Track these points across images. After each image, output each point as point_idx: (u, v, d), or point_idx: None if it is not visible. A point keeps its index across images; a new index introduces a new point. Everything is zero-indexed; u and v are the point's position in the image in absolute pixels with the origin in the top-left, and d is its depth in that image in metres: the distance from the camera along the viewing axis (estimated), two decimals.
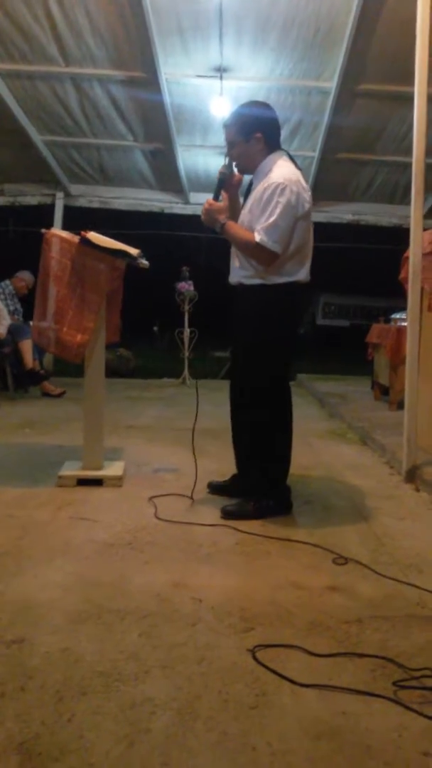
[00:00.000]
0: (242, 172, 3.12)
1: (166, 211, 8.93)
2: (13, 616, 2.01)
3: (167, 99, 6.52)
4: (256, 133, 2.95)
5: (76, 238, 3.36)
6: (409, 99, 3.85)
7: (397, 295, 5.33)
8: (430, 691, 1.67)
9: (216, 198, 3.08)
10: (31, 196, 8.67)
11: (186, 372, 8.30)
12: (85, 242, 3.31)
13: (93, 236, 3.33)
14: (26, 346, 6.47)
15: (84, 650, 1.83)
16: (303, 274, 2.99)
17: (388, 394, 6.13)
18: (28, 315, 6.74)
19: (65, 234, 3.47)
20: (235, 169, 3.12)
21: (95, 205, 8.86)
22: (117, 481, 3.48)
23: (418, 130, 3.56)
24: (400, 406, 4.55)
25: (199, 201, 3.17)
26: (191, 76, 6.25)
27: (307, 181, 6.93)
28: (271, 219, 2.81)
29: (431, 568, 2.50)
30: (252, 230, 2.88)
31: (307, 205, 2.90)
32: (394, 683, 1.70)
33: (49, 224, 8.10)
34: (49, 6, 5.28)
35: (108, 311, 3.52)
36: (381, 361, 6.43)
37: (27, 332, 6.33)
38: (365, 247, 13.27)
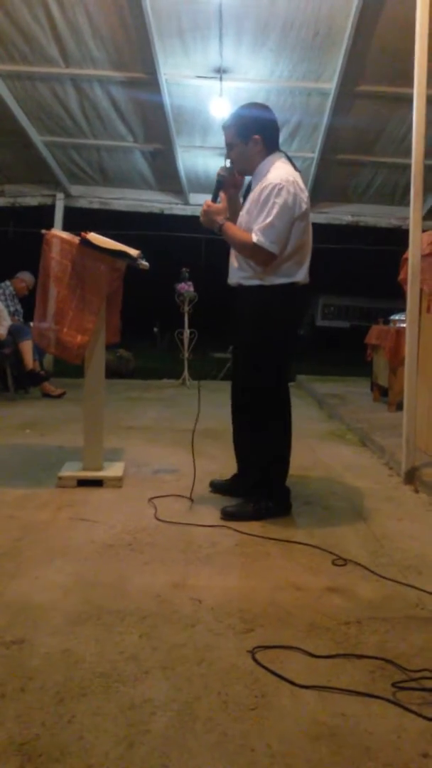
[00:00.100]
0: (241, 173, 3.12)
1: (166, 212, 8.93)
2: (13, 617, 2.02)
3: (167, 100, 6.53)
4: (254, 135, 2.96)
5: (76, 239, 3.36)
6: (408, 100, 3.86)
7: (396, 297, 5.34)
8: (430, 692, 1.68)
9: (214, 199, 3.09)
10: (32, 197, 8.67)
11: (186, 373, 8.30)
12: (86, 243, 3.32)
13: (93, 237, 3.33)
14: (26, 347, 6.47)
15: (84, 651, 1.83)
16: (301, 275, 2.99)
17: (387, 395, 6.13)
18: (28, 316, 6.75)
19: (65, 235, 3.47)
20: (235, 172, 3.13)
21: (95, 206, 8.86)
22: (117, 482, 3.48)
23: (417, 131, 3.57)
24: (400, 407, 4.56)
25: (199, 202, 3.18)
26: (191, 77, 6.26)
27: (306, 182, 6.94)
28: (268, 219, 2.82)
29: (430, 569, 2.51)
30: (250, 231, 2.89)
31: (304, 206, 2.90)
32: (393, 684, 1.70)
33: (50, 225, 8.10)
34: (50, 7, 5.29)
35: (108, 312, 3.52)
36: (380, 362, 6.44)
37: (27, 333, 6.33)
38: (364, 249, 13.28)
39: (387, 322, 6.68)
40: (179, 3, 5.25)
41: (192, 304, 8.24)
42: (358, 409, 6.11)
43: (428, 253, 3.74)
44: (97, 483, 3.47)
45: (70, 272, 3.34)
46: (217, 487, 3.41)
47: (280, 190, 2.82)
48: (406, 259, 3.80)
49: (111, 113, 6.87)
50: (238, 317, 3.12)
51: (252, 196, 2.97)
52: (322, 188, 8.17)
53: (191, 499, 3.28)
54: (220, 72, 6.07)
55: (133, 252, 3.44)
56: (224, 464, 3.77)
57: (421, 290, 3.71)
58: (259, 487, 3.10)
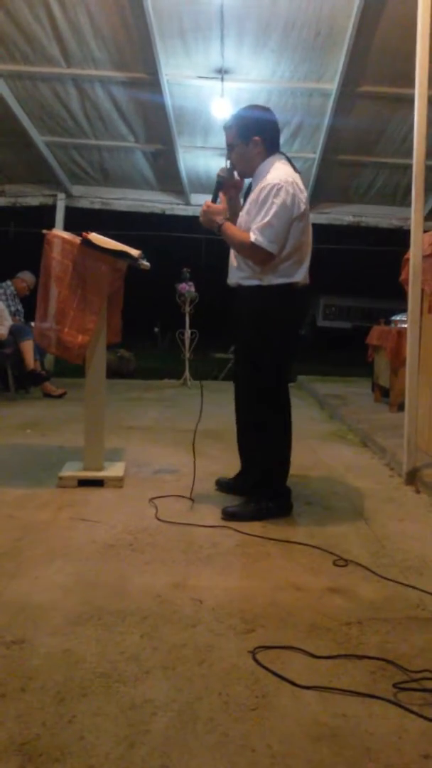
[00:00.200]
0: (242, 175, 3.13)
1: (167, 212, 8.92)
2: (14, 617, 2.02)
3: (168, 100, 6.53)
4: (254, 136, 2.98)
5: (77, 239, 3.36)
6: (409, 101, 3.86)
7: (397, 297, 5.33)
8: (431, 693, 1.68)
9: (214, 200, 3.10)
10: (33, 197, 8.66)
11: (187, 373, 8.30)
12: (87, 243, 3.32)
13: (94, 237, 3.33)
14: (27, 347, 6.47)
15: (84, 651, 1.83)
16: (301, 276, 2.99)
17: (388, 395, 6.12)
18: (29, 316, 6.75)
19: (67, 235, 3.47)
20: (235, 173, 3.14)
21: (96, 206, 8.85)
22: (118, 482, 3.48)
23: (418, 132, 3.57)
24: (401, 408, 4.55)
25: (200, 202, 3.18)
26: (192, 78, 6.26)
27: (307, 182, 6.87)
28: (266, 219, 2.83)
29: (431, 570, 2.51)
30: (249, 231, 2.90)
31: (303, 206, 2.91)
32: (394, 685, 1.70)
33: (51, 225, 8.11)
34: (51, 7, 5.29)
35: (109, 312, 3.52)
36: (381, 362, 6.43)
37: (28, 333, 6.33)
38: (366, 249, 13.28)
39: (388, 322, 6.68)
40: (181, 3, 5.25)
41: (193, 305, 8.23)
42: (360, 409, 6.11)
43: (429, 253, 3.73)
44: (98, 483, 3.46)
45: (71, 272, 3.34)
46: (223, 486, 3.42)
47: (279, 190, 2.84)
48: (408, 259, 3.80)
49: (112, 113, 6.87)
50: (238, 317, 3.12)
51: (251, 196, 2.98)
52: (323, 189, 8.17)
53: (192, 500, 3.28)
54: (222, 72, 6.07)
55: (134, 252, 3.44)
56: (225, 464, 3.76)
57: (423, 291, 3.71)
58: (260, 487, 3.10)
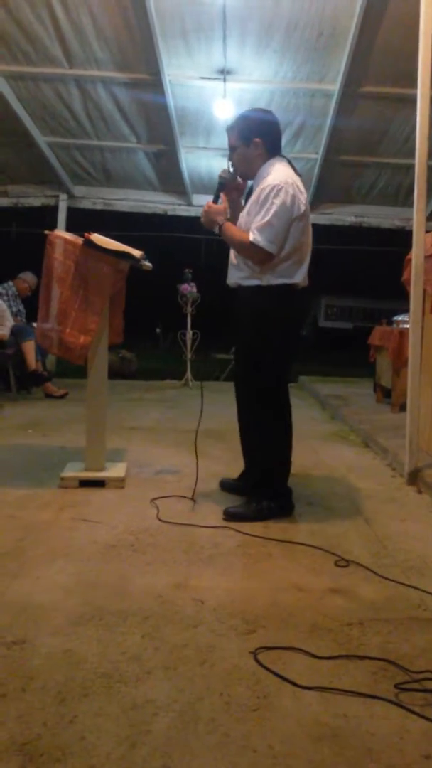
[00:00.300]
0: (243, 177, 3.15)
1: (169, 213, 8.93)
2: (15, 617, 2.02)
3: (171, 101, 6.53)
4: (256, 138, 2.99)
5: (79, 240, 3.36)
6: (412, 101, 3.85)
7: (399, 298, 5.33)
8: None
9: (215, 200, 3.12)
10: (35, 198, 8.67)
11: (188, 374, 8.30)
12: (89, 244, 3.32)
13: (96, 238, 3.33)
14: (29, 348, 6.47)
15: (86, 651, 1.83)
16: (300, 277, 3.00)
17: (390, 396, 6.12)
18: (31, 316, 6.75)
19: (69, 236, 3.48)
20: (232, 170, 3.16)
21: (98, 206, 8.86)
22: (119, 483, 3.48)
23: (420, 132, 3.56)
24: (403, 408, 4.55)
25: (202, 203, 3.19)
26: (195, 78, 6.26)
27: (309, 183, 6.87)
28: (266, 219, 2.85)
29: None
30: (249, 231, 2.91)
31: (303, 207, 2.92)
32: (395, 686, 1.70)
33: (53, 226, 8.12)
34: (53, 8, 5.29)
35: (111, 313, 3.52)
36: (383, 363, 6.43)
37: (30, 333, 6.33)
38: (367, 250, 13.27)
39: (390, 323, 6.68)
40: (183, 4, 5.25)
41: (195, 305, 8.23)
42: (361, 410, 6.10)
43: (431, 254, 3.73)
44: (100, 483, 3.47)
45: (73, 273, 3.34)
46: (227, 486, 3.42)
47: (279, 191, 2.85)
48: (410, 260, 3.80)
49: (114, 114, 6.87)
50: (238, 318, 3.13)
51: (252, 197, 3.00)
52: (325, 189, 8.17)
53: (194, 500, 3.28)
54: (224, 73, 6.07)
55: (136, 253, 3.44)
56: (227, 465, 3.77)
57: (425, 291, 3.71)
58: (261, 488, 3.10)
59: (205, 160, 7.92)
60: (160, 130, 7.11)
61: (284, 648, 1.88)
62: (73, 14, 5.37)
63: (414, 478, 3.67)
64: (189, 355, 8.29)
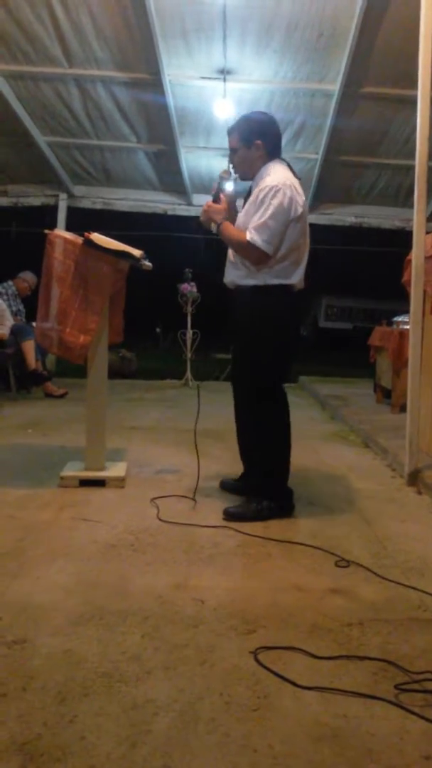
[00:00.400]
0: (243, 178, 3.19)
1: (169, 212, 8.93)
2: (15, 617, 2.02)
3: (170, 101, 6.53)
4: (256, 140, 3.03)
5: (79, 240, 3.36)
6: (412, 102, 3.85)
7: (400, 298, 5.33)
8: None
9: (215, 200, 3.13)
10: (35, 197, 8.66)
11: (188, 373, 8.30)
12: (89, 243, 3.32)
13: (96, 237, 3.33)
14: (29, 347, 6.47)
15: (86, 651, 1.83)
16: (296, 278, 3.02)
17: (390, 396, 6.12)
18: (30, 316, 6.75)
19: (69, 235, 3.48)
20: (232, 172, 3.20)
21: (98, 206, 8.86)
22: (119, 482, 3.48)
23: (421, 133, 3.56)
24: (403, 409, 4.55)
25: (202, 203, 3.21)
26: (195, 78, 6.26)
27: (310, 183, 6.86)
28: (263, 219, 2.88)
29: None
30: (246, 231, 2.94)
31: (300, 209, 2.94)
32: (395, 686, 1.70)
33: (52, 225, 8.12)
34: (53, 7, 5.29)
35: (111, 312, 3.52)
36: (383, 364, 6.43)
37: (30, 333, 6.33)
38: (368, 250, 13.28)
39: (390, 323, 6.68)
40: (183, 4, 5.25)
41: (195, 305, 8.23)
42: (361, 410, 6.10)
43: (431, 255, 3.73)
44: (100, 483, 3.47)
45: (73, 272, 3.34)
46: (227, 487, 3.42)
47: (276, 191, 2.88)
48: (410, 260, 3.80)
49: (114, 114, 6.87)
50: (235, 318, 3.15)
51: (250, 198, 3.03)
52: (325, 189, 8.17)
53: (194, 500, 3.28)
54: (224, 73, 6.07)
55: (136, 252, 3.44)
56: (227, 464, 3.77)
57: (425, 292, 3.71)
58: (261, 488, 3.11)
59: (205, 159, 7.92)
60: (160, 129, 7.11)
61: (284, 648, 1.89)
62: (73, 14, 5.37)
63: (414, 478, 3.67)
64: (189, 355, 8.29)
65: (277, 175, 2.95)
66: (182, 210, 8.84)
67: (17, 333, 6.50)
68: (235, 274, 3.09)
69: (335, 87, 6.14)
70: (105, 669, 1.75)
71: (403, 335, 5.52)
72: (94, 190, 8.72)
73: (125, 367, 9.03)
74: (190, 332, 8.31)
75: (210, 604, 2.15)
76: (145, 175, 8.31)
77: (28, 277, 7.13)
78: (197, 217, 3.20)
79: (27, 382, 6.86)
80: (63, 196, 8.62)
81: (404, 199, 8.19)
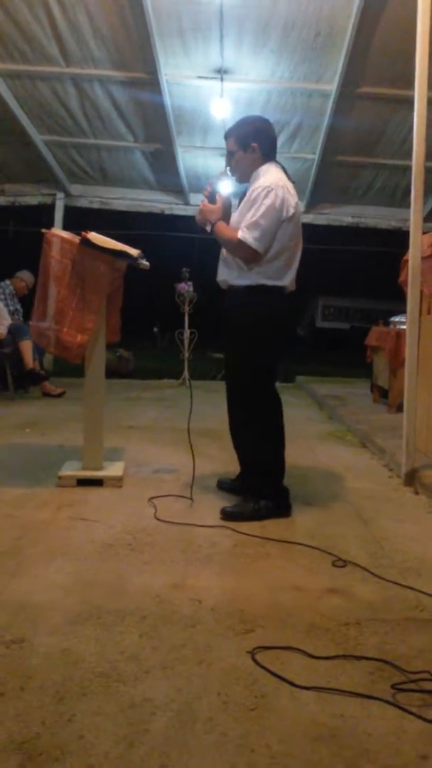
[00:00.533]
0: (239, 180, 3.23)
1: (166, 212, 8.93)
2: (13, 617, 2.02)
3: (168, 100, 6.53)
4: (252, 143, 3.08)
5: (76, 239, 3.36)
6: (409, 102, 3.86)
7: (396, 299, 5.34)
8: (429, 694, 1.68)
9: (211, 200, 3.16)
10: (32, 197, 8.66)
11: (186, 373, 8.30)
12: (86, 243, 3.32)
13: (93, 237, 3.33)
14: (26, 347, 6.46)
15: (84, 651, 1.84)
16: (288, 280, 3.06)
17: (387, 396, 6.13)
18: (28, 315, 6.74)
19: (66, 234, 3.47)
20: (229, 173, 3.23)
21: (95, 205, 8.85)
22: (117, 482, 3.48)
23: (417, 133, 3.57)
24: (400, 408, 4.55)
25: (199, 202, 3.23)
26: (192, 78, 6.25)
27: (306, 183, 6.88)
28: (254, 218, 2.93)
29: (430, 571, 2.51)
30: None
31: (292, 210, 2.98)
32: (392, 686, 1.71)
33: (50, 224, 8.09)
34: (50, 7, 5.29)
35: (108, 311, 3.52)
36: (380, 363, 6.44)
37: (27, 332, 6.32)
38: (365, 250, 13.29)
39: (387, 323, 6.68)
40: (180, 3, 5.25)
41: (192, 304, 8.23)
42: (358, 410, 6.11)
43: (428, 255, 3.74)
44: (97, 482, 3.47)
45: (71, 272, 3.34)
46: (224, 487, 3.43)
47: (269, 192, 2.94)
48: (407, 261, 3.81)
49: (111, 113, 6.87)
50: (227, 317, 3.17)
51: (244, 198, 3.07)
52: (322, 189, 8.17)
53: (191, 499, 3.28)
54: (221, 72, 6.07)
55: (134, 252, 3.44)
56: (224, 464, 3.77)
57: (422, 292, 3.71)
58: (257, 487, 3.12)
59: (202, 159, 7.91)
60: (157, 129, 7.10)
61: (282, 648, 1.89)
62: (70, 13, 5.36)
63: (411, 478, 3.68)
64: (186, 354, 8.29)
65: (270, 176, 3.01)
66: (179, 209, 8.85)
67: (15, 332, 6.49)
68: (228, 273, 3.14)
69: (332, 87, 6.14)
70: (103, 668, 1.75)
71: (399, 335, 5.53)
72: (91, 189, 8.72)
73: (123, 367, 9.03)
74: (187, 332, 8.31)
75: (207, 604, 2.16)
76: (142, 175, 8.31)
77: (25, 276, 7.12)
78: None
79: (25, 381, 6.85)
80: (60, 195, 8.61)
81: (401, 199, 8.20)
